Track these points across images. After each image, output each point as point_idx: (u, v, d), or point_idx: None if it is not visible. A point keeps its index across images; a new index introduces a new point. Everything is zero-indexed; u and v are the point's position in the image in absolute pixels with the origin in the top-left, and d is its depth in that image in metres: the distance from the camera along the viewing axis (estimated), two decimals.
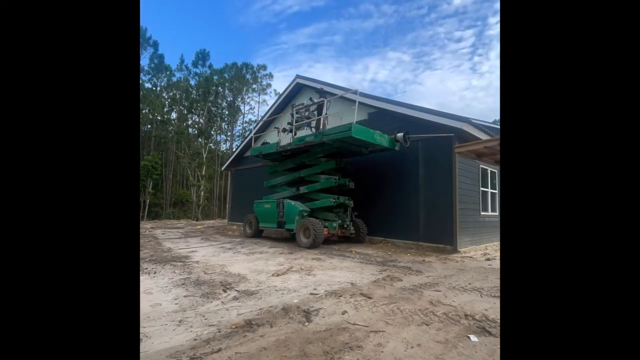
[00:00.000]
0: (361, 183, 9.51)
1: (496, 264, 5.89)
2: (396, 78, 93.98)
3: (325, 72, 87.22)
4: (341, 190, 8.56)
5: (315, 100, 8.75)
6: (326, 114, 8.42)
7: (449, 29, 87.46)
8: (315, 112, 8.74)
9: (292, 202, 8.38)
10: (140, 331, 2.45)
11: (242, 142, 16.12)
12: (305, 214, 8.13)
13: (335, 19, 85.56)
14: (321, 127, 8.38)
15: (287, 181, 9.33)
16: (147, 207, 27.11)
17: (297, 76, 12.12)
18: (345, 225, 8.17)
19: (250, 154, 10.83)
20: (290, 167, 9.36)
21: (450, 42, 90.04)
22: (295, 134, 8.81)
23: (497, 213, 9.08)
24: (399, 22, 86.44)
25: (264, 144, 10.25)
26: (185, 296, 3.49)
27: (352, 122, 7.05)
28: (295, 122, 8.82)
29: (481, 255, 7.09)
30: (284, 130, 9.28)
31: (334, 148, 8.02)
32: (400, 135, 7.62)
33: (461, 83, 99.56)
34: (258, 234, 9.68)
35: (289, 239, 8.97)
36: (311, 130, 8.64)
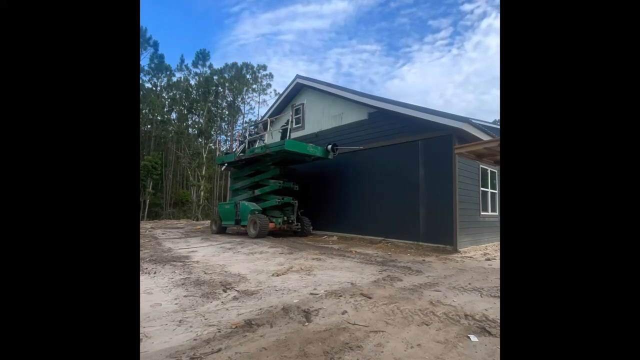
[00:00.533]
0: (357, 182, 9.53)
1: (496, 264, 5.89)
2: (376, 72, 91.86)
3: (297, 67, 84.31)
4: (290, 191, 10.38)
5: (258, 123, 11.13)
6: (270, 130, 10.70)
7: (414, 20, 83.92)
8: (262, 128, 10.98)
9: (246, 203, 10.07)
10: (140, 331, 2.45)
11: (242, 142, 16.10)
12: (256, 212, 9.68)
13: (292, 5, 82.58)
14: (265, 141, 10.50)
15: (246, 185, 11.01)
16: (147, 207, 27.11)
17: (297, 76, 12.14)
18: (290, 221, 9.94)
19: (217, 162, 12.58)
20: (248, 173, 11.08)
21: (423, 34, 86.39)
22: (248, 146, 10.88)
23: (497, 213, 9.08)
24: (358, 10, 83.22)
25: (227, 153, 12.16)
26: (185, 296, 3.49)
27: (287, 139, 9.27)
28: (249, 136, 11.11)
29: (481, 255, 7.09)
30: (240, 142, 11.31)
31: (279, 157, 9.83)
32: (329, 146, 9.59)
33: (440, 79, 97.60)
34: (222, 231, 11.19)
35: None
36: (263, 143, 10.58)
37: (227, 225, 10.94)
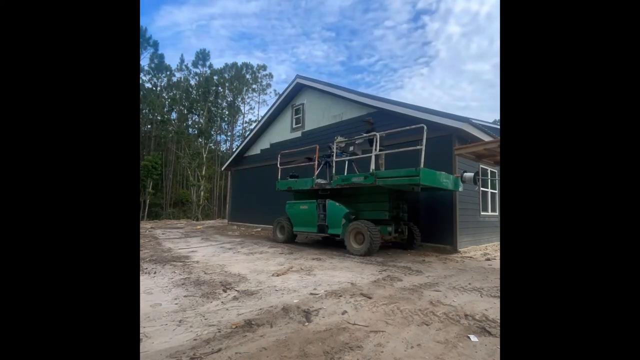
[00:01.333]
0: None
1: (496, 264, 5.89)
2: (341, 62, 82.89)
3: (253, 57, 75.96)
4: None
5: (364, 134, 7.30)
6: (378, 149, 6.55)
7: (358, 2, 76.52)
8: (357, 147, 7.39)
9: (337, 203, 7.14)
10: (140, 331, 2.45)
11: (242, 142, 16.13)
12: (353, 217, 7.03)
13: None
14: (372, 166, 6.40)
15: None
16: (147, 207, 27.10)
17: (297, 76, 12.13)
18: (399, 230, 7.01)
19: (277, 188, 8.70)
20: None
21: (382, 15, 78.59)
22: (335, 171, 7.53)
23: (497, 213, 9.08)
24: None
25: (292, 176, 8.58)
26: (185, 296, 3.50)
27: (420, 167, 5.60)
28: (336, 157, 7.45)
29: (481, 255, 7.09)
30: (319, 163, 7.96)
31: (387, 189, 6.67)
32: (469, 175, 6.40)
33: (409, 71, 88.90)
34: (291, 239, 8.40)
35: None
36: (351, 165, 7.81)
37: (301, 232, 8.08)
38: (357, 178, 6.57)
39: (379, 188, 6.51)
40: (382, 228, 6.72)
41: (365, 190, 6.93)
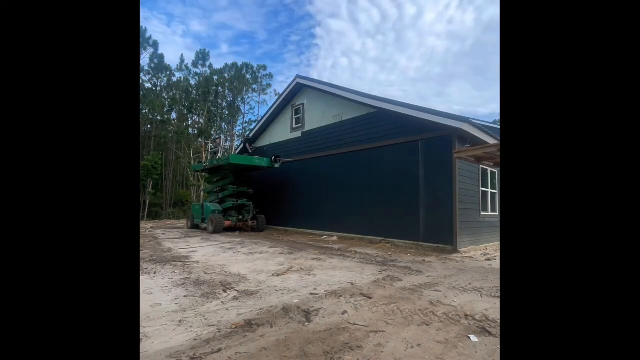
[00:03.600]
0: (357, 183, 9.53)
1: (496, 264, 5.89)
2: (270, 52, 67.04)
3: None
4: (247, 195, 12.47)
5: (216, 139, 13.92)
6: (222, 147, 13.30)
7: None
8: (220, 143, 13.54)
9: (209, 204, 11.98)
10: (140, 331, 2.45)
11: (241, 142, 16.12)
12: (217, 212, 11.45)
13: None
14: (220, 155, 12.86)
15: (214, 189, 13.01)
16: (147, 207, 27.08)
17: (297, 76, 12.15)
18: (244, 219, 11.62)
19: (192, 170, 15.22)
20: (216, 179, 13.04)
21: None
22: (210, 157, 13.25)
23: (497, 213, 9.08)
24: None
25: (199, 162, 14.49)
26: (185, 296, 3.50)
27: (232, 153, 11.35)
28: (211, 149, 13.80)
29: (481, 255, 7.09)
30: (208, 152, 14.06)
31: (232, 167, 11.74)
32: (273, 158, 11.63)
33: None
34: (195, 227, 12.98)
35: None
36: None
37: (198, 223, 12.85)
38: (214, 161, 12.17)
39: (232, 194, 12.11)
40: (231, 219, 11.53)
41: (226, 194, 12.18)
